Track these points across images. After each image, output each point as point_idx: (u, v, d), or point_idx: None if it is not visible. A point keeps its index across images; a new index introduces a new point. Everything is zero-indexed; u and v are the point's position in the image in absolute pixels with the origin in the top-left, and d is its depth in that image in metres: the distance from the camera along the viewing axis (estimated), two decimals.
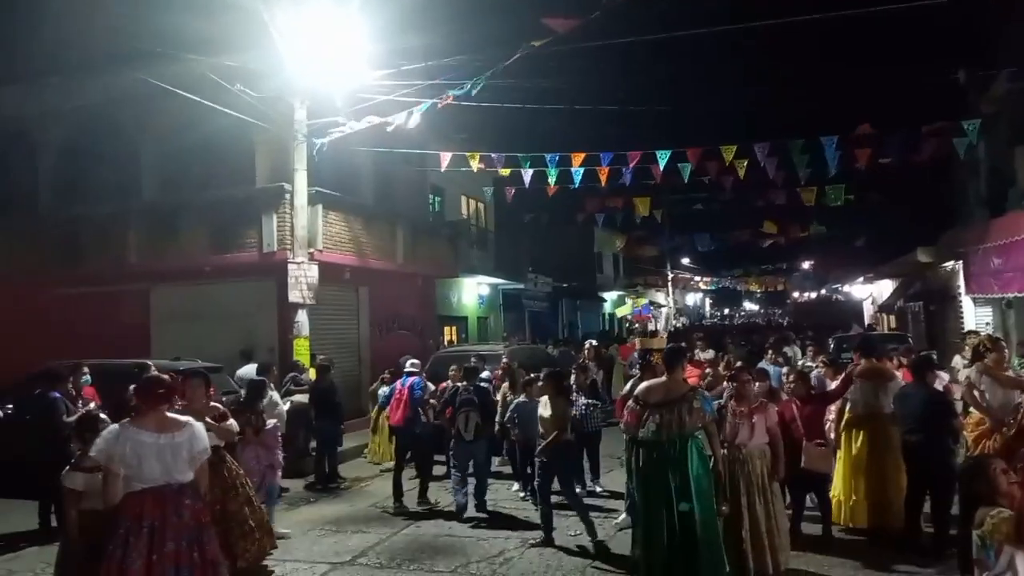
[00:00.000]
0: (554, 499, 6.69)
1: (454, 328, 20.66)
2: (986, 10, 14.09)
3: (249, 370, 9.92)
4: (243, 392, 9.36)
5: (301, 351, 10.85)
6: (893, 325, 24.08)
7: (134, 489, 4.06)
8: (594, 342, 13.61)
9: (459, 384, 8.03)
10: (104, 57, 12.85)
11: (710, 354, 12.19)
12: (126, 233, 13.17)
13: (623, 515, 6.93)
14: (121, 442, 4.06)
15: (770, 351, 11.51)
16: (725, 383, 6.44)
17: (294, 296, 10.85)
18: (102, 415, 4.93)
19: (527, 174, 12.53)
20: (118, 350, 10.46)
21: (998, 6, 13.49)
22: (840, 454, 6.65)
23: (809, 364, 10.31)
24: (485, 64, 10.01)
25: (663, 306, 40.13)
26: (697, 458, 5.04)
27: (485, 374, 9.88)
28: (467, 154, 12.81)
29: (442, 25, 13.03)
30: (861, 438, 6.56)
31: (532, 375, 8.05)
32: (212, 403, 5.90)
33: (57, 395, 7.22)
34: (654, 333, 9.84)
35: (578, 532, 6.82)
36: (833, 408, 6.92)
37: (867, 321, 30.81)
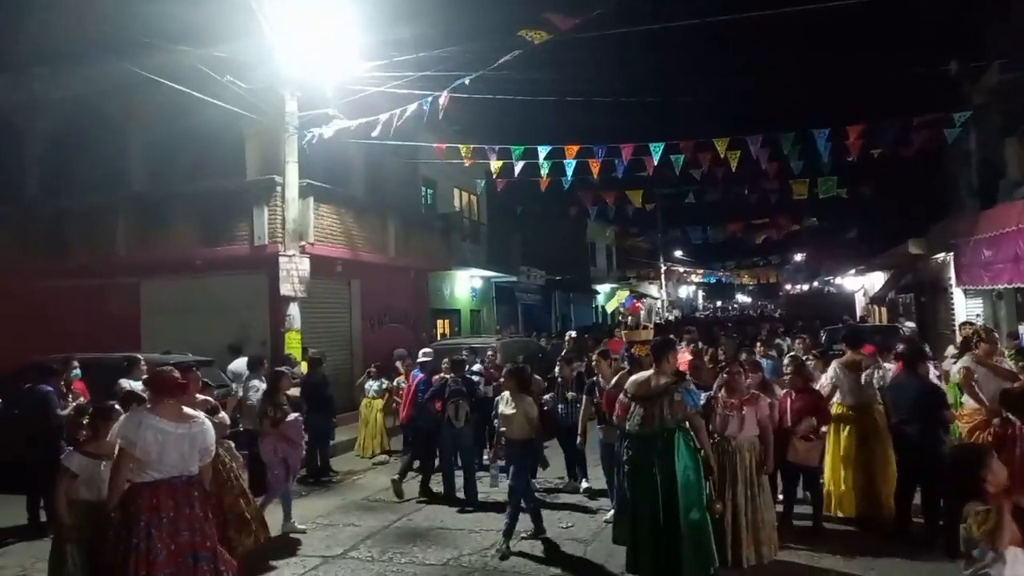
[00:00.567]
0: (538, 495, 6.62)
1: (447, 321, 20.64)
2: (977, 1, 14.11)
3: (240, 364, 9.88)
4: (235, 386, 9.37)
5: (293, 344, 10.80)
6: (885, 318, 24.18)
7: (146, 480, 4.06)
8: (573, 333, 13.58)
9: (447, 376, 8.23)
10: (92, 47, 12.66)
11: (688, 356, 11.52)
12: (115, 225, 13.05)
13: (612, 511, 6.91)
14: (143, 428, 4.06)
15: (760, 344, 11.37)
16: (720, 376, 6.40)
17: (285, 289, 10.79)
18: (116, 405, 4.91)
19: (519, 166, 12.48)
20: (107, 344, 10.37)
21: None
22: (829, 445, 6.69)
23: (800, 356, 10.25)
24: (477, 55, 9.94)
25: (645, 296, 39.93)
26: (685, 451, 5.06)
27: (477, 367, 9.91)
28: (460, 146, 12.76)
29: (433, 16, 12.92)
30: (849, 428, 6.62)
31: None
32: (203, 397, 5.90)
33: (49, 388, 7.16)
34: (638, 324, 9.70)
35: (570, 524, 6.84)
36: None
37: (859, 313, 30.97)
